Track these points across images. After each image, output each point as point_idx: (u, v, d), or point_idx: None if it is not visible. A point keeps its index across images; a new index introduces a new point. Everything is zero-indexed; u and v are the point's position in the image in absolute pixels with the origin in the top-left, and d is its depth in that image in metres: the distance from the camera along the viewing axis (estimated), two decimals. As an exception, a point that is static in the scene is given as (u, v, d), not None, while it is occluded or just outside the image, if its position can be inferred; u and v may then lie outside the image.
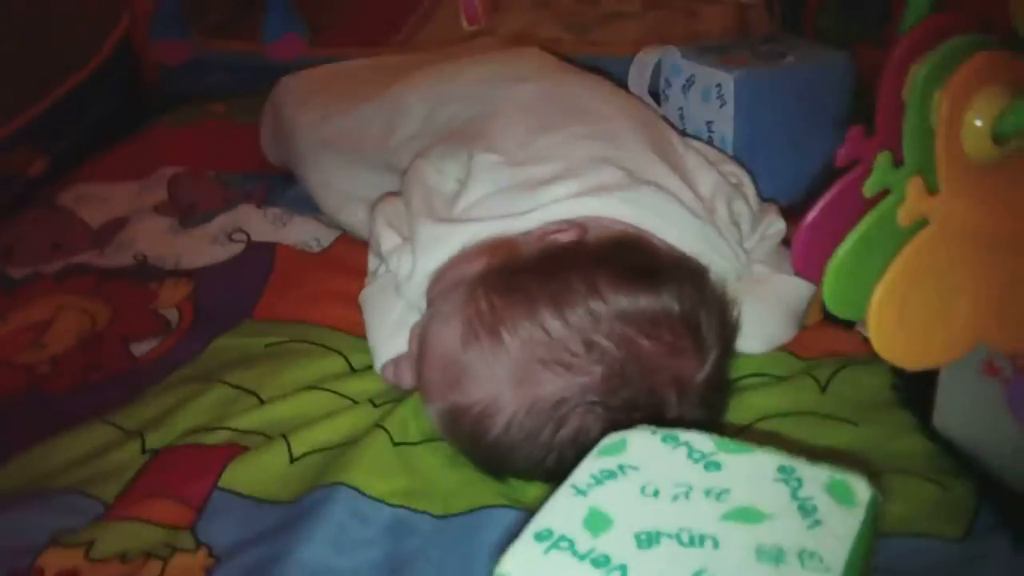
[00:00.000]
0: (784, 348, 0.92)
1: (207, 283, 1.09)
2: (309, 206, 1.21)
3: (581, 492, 0.52)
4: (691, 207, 0.90)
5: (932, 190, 0.51)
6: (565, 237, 0.84)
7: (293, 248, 1.13)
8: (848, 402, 0.85)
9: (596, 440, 0.71)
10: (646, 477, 0.53)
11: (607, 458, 0.55)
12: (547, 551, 0.48)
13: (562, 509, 0.51)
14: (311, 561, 0.70)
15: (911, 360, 0.53)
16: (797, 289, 0.94)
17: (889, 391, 0.86)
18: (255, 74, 1.52)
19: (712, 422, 0.64)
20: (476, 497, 0.76)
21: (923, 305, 0.52)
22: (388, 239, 0.94)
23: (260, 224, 1.17)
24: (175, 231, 1.19)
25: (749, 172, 1.02)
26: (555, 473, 0.74)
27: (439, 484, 0.78)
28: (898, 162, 0.51)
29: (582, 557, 0.48)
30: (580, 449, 0.72)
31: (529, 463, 0.74)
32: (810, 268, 0.54)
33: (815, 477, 0.54)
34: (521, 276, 0.77)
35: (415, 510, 0.75)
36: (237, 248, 1.14)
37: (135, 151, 1.39)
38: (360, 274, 1.02)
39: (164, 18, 1.61)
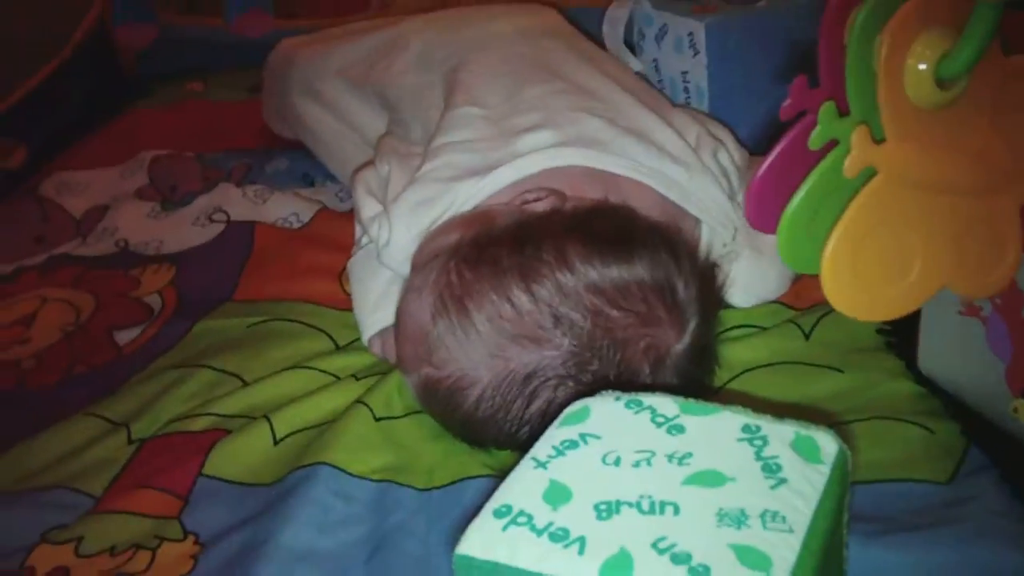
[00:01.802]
0: (778, 300, 0.92)
1: (188, 267, 1.08)
2: (290, 180, 1.21)
3: (542, 465, 0.52)
4: (680, 157, 0.89)
5: (879, 139, 0.50)
6: (542, 206, 0.83)
7: (273, 226, 1.12)
8: (833, 348, 0.85)
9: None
10: (608, 445, 0.53)
11: (569, 427, 0.55)
12: (506, 527, 0.48)
13: (522, 483, 0.51)
14: (294, 543, 0.70)
15: (868, 312, 0.51)
16: None
17: (875, 335, 0.86)
18: (230, 51, 1.52)
19: (694, 389, 0.63)
20: (460, 468, 0.76)
21: (877, 256, 0.51)
22: (368, 207, 0.93)
23: (239, 203, 1.16)
24: (156, 215, 1.18)
25: (729, 128, 1.00)
26: (529, 445, 0.74)
27: (423, 457, 0.78)
28: (844, 112, 0.50)
29: (540, 531, 0.47)
30: (552, 422, 0.72)
31: (502, 435, 0.74)
32: (765, 222, 0.52)
33: (780, 435, 0.53)
34: (492, 247, 0.76)
35: (399, 484, 0.75)
36: (217, 229, 1.14)
37: (114, 136, 1.39)
38: (342, 248, 1.02)
39: (128, 1, 1.60)
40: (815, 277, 0.90)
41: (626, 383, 0.70)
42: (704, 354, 0.77)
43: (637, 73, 1.12)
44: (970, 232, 0.54)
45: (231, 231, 1.13)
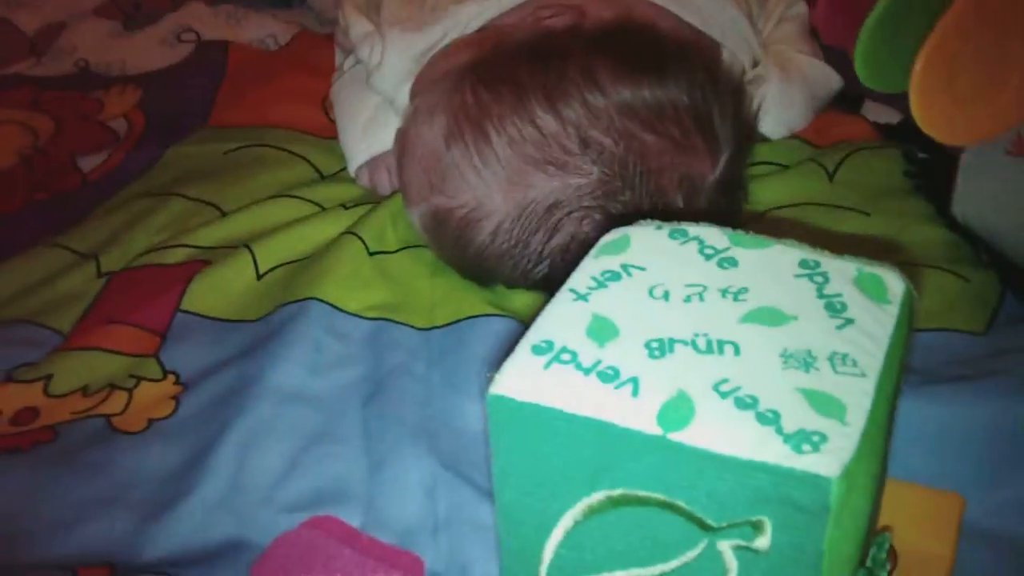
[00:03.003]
0: (797, 134, 0.87)
1: (156, 89, 1.01)
2: (265, 1, 1.12)
3: (582, 297, 0.46)
4: None
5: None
6: (560, 22, 0.77)
7: (248, 47, 1.04)
8: (859, 190, 0.80)
9: (593, 249, 0.66)
10: (654, 277, 0.47)
11: (608, 258, 0.49)
12: (547, 365, 0.42)
13: (561, 317, 0.45)
14: (284, 383, 0.65)
15: (957, 134, 0.46)
16: (825, 74, 0.87)
17: (902, 177, 0.81)
18: None
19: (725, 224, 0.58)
20: (462, 306, 0.71)
21: (973, 69, 0.45)
22: (358, 25, 0.86)
23: (211, 22, 1.08)
24: (118, 34, 1.10)
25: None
26: (544, 284, 0.69)
27: (421, 294, 0.73)
28: None
29: (588, 370, 0.42)
30: (573, 259, 0.67)
31: (516, 272, 0.69)
32: (837, 33, 0.46)
33: (842, 271, 0.48)
34: (511, 66, 0.69)
35: (396, 322, 0.70)
36: (187, 49, 1.06)
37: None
38: (324, 73, 0.95)
39: None
40: (835, 112, 0.88)
41: (658, 217, 0.65)
42: (737, 187, 0.71)
43: None
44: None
45: (202, 52, 1.05)
